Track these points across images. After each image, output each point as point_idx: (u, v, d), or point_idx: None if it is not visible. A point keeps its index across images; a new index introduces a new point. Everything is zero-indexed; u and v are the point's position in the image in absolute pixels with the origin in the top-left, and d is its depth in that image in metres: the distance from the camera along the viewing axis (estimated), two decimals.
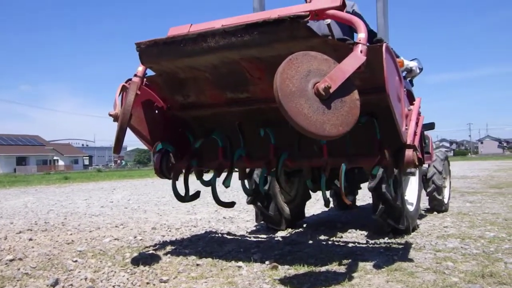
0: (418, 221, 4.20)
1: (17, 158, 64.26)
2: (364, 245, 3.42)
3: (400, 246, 3.34)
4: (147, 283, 2.54)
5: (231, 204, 3.28)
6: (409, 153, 2.62)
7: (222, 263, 2.94)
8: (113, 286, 2.50)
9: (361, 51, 2.28)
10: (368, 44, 3.49)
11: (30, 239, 3.92)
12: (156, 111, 3.19)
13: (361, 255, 3.08)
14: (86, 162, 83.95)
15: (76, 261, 3.02)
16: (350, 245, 3.45)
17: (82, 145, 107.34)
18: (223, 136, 3.19)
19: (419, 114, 2.91)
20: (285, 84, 2.08)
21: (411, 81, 4.89)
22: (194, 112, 3.23)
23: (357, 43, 2.33)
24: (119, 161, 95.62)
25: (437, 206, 5.16)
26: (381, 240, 3.54)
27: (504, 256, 2.96)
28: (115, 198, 8.47)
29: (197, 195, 3.29)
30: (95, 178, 22.03)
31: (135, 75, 2.91)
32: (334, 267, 2.78)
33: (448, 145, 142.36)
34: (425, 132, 4.88)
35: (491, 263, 2.78)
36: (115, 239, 3.85)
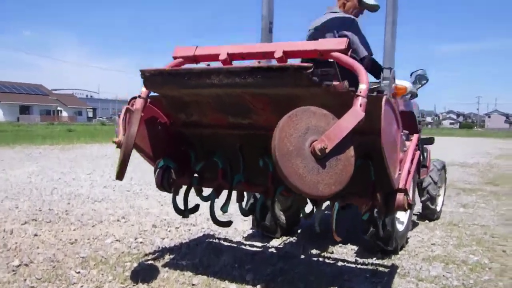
0: (409, 233, 4.37)
1: (21, 107, 64.45)
2: (352, 265, 3.59)
3: (386, 270, 3.51)
4: None
5: (228, 224, 3.44)
6: (399, 197, 2.69)
7: (216, 282, 3.12)
8: None
9: (360, 105, 2.33)
10: (366, 56, 3.56)
11: (35, 235, 4.10)
12: (159, 127, 3.29)
13: (348, 281, 3.26)
14: (90, 115, 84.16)
15: (79, 272, 3.21)
16: (339, 263, 3.63)
17: (86, 96, 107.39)
18: (223, 158, 3.32)
19: (415, 149, 2.99)
20: (283, 143, 2.18)
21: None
22: (196, 131, 3.34)
23: (357, 95, 2.38)
24: None
25: (429, 214, 5.33)
26: (369, 260, 3.72)
27: None
28: None
29: (196, 208, 3.45)
30: (99, 137, 22.25)
31: (139, 96, 3.00)
32: None
33: (455, 117, 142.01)
34: (424, 146, 5.01)
35: None
36: (117, 240, 4.04)
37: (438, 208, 5.41)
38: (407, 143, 2.98)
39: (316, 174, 2.21)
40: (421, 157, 4.92)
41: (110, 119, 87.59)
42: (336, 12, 3.91)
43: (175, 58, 3.05)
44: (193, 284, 3.10)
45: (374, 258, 3.77)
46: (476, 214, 5.82)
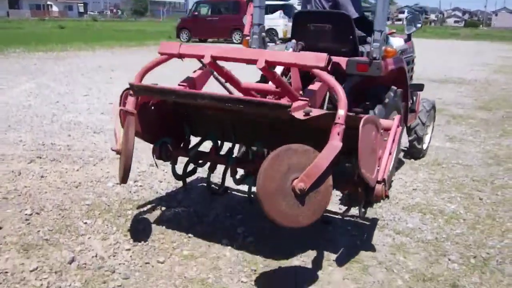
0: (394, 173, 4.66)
1: (9, 0, 62.34)
2: (336, 217, 3.89)
3: (367, 223, 3.82)
4: (146, 263, 3.04)
5: (224, 192, 3.72)
6: (378, 188, 2.88)
7: (211, 234, 3.44)
8: (119, 264, 3.01)
9: (338, 134, 2.50)
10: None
11: (42, 176, 4.36)
12: (152, 108, 3.45)
13: (331, 234, 3.58)
14: (81, 9, 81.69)
15: (86, 223, 3.51)
16: (324, 214, 3.93)
17: None
18: (217, 136, 3.55)
19: (398, 126, 3.16)
20: (266, 184, 2.41)
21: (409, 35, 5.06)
22: (189, 109, 3.54)
23: (336, 123, 2.52)
24: (115, 11, 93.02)
25: (415, 153, 5.59)
26: (352, 211, 4.00)
27: (451, 247, 3.46)
28: (114, 94, 8.78)
29: (194, 171, 3.75)
30: (92, 38, 21.97)
31: (130, 94, 3.13)
32: (304, 251, 3.28)
33: (460, 14, 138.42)
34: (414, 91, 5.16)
35: (436, 260, 3.28)
36: (117, 183, 4.30)
37: (424, 146, 5.66)
38: (389, 123, 3.10)
39: (296, 208, 2.46)
40: (411, 102, 5.10)
41: (102, 13, 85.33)
42: None
43: (161, 54, 3.14)
44: (189, 237, 3.41)
45: (357, 207, 4.05)
46: (462, 150, 6.08)
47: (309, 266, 3.13)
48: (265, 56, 2.72)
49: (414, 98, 5.15)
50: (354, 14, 3.90)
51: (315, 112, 2.64)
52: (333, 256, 3.25)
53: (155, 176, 4.58)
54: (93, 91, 8.97)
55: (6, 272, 2.83)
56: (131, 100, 3.06)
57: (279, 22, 25.29)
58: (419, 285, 2.96)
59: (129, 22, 65.42)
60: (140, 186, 4.30)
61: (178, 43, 3.12)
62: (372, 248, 3.40)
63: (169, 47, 3.09)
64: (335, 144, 2.46)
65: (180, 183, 4.29)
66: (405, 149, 5.63)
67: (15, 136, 5.66)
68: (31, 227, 3.41)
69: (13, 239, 3.23)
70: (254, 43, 4.20)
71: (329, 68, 2.64)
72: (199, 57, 3.06)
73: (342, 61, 3.82)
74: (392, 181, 4.66)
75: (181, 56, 3.07)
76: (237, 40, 25.29)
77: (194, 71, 3.54)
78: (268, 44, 4.43)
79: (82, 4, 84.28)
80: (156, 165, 3.79)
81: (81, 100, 8.16)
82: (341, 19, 3.95)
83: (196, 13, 26.89)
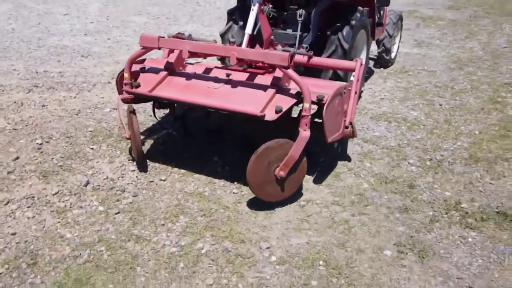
0: (364, 84, 5.14)
1: None
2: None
3: None
4: (151, 181, 3.57)
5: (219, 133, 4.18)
6: (346, 131, 3.46)
7: (204, 153, 3.95)
8: (128, 184, 3.54)
9: (306, 124, 3.00)
10: None
11: (43, 106, 4.75)
12: None
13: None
14: None
15: (92, 148, 3.97)
16: None
17: None
18: None
19: (360, 65, 3.58)
20: (254, 179, 3.09)
21: None
22: None
23: (303, 116, 3.00)
24: None
25: (384, 63, 6.04)
26: None
27: (411, 152, 4.03)
28: (93, 12, 8.90)
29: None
30: None
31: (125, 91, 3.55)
32: None
33: None
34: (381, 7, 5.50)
35: (397, 164, 3.86)
36: (114, 108, 4.72)
37: (392, 56, 6.10)
38: (353, 65, 3.56)
39: (281, 188, 3.16)
40: (378, 17, 5.46)
41: None
42: None
43: (142, 47, 3.49)
44: (185, 157, 3.91)
45: None
46: (428, 56, 6.53)
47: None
48: (236, 53, 3.13)
49: (382, 12, 5.50)
50: None
51: (285, 106, 3.05)
52: (310, 166, 3.79)
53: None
54: (72, 10, 9.04)
55: (33, 197, 3.33)
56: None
57: None
58: (382, 187, 3.55)
59: None
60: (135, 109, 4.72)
61: (156, 37, 3.38)
62: (343, 157, 3.95)
63: (149, 41, 3.40)
64: (304, 134, 3.01)
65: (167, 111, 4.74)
66: (375, 57, 6.05)
67: (7, 64, 5.94)
68: (45, 155, 3.87)
69: (31, 167, 3.70)
70: None
71: (291, 64, 3.02)
72: (177, 49, 3.49)
73: None
74: (362, 91, 5.15)
75: (160, 48, 3.42)
76: None
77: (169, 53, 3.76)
78: None
79: None
80: (156, 118, 4.25)
81: (61, 20, 8.28)
82: None
83: None
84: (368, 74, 5.68)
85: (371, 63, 6.05)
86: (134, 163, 3.78)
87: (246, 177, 3.08)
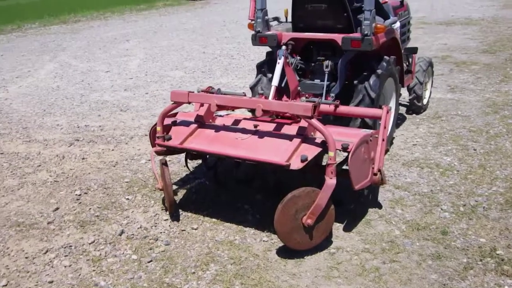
0: (396, 129, 5.15)
1: None
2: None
3: None
4: (183, 230, 3.65)
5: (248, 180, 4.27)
6: (375, 179, 3.49)
7: (234, 202, 4.01)
8: (161, 232, 3.62)
9: (331, 172, 3.06)
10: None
11: (83, 158, 4.96)
12: None
13: (336, 193, 4.11)
14: None
15: (128, 199, 4.11)
16: None
17: None
18: None
19: (387, 113, 3.65)
20: (282, 229, 3.12)
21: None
22: None
23: (329, 164, 3.08)
24: None
25: (416, 110, 6.04)
26: None
27: (444, 198, 3.98)
28: (133, 68, 9.32)
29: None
30: (100, 3, 22.19)
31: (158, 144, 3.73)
32: None
33: None
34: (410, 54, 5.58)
35: (430, 210, 3.81)
36: (149, 159, 4.88)
37: (425, 102, 6.10)
38: (379, 112, 3.63)
39: (309, 236, 3.18)
40: (407, 64, 5.53)
41: None
42: None
43: (173, 102, 3.70)
44: (216, 205, 3.98)
45: None
46: (462, 101, 6.49)
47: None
48: (261, 106, 3.28)
49: (410, 60, 5.57)
50: None
51: (310, 155, 3.15)
52: (340, 212, 3.80)
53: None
54: (113, 67, 9.48)
55: (70, 246, 3.46)
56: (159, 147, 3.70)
57: None
58: (414, 234, 3.50)
59: None
60: (169, 160, 4.86)
61: (186, 92, 3.62)
62: (374, 204, 3.93)
63: (179, 96, 3.64)
64: (330, 183, 3.07)
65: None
66: (407, 104, 6.07)
67: (52, 120, 6.26)
68: (83, 206, 4.02)
69: (70, 218, 3.85)
70: (258, 27, 4.64)
71: (315, 114, 3.13)
72: (206, 103, 3.67)
73: (338, 37, 4.27)
74: (394, 137, 5.15)
75: (189, 102, 3.67)
76: None
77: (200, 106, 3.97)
78: (271, 24, 4.86)
79: None
80: (188, 168, 4.39)
81: (103, 77, 8.69)
82: None
83: None
84: (400, 120, 5.70)
85: (403, 109, 6.06)
86: (167, 212, 3.87)
87: (274, 225, 3.12)
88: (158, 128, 3.67)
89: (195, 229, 3.65)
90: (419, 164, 4.63)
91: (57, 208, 3.98)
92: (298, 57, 4.41)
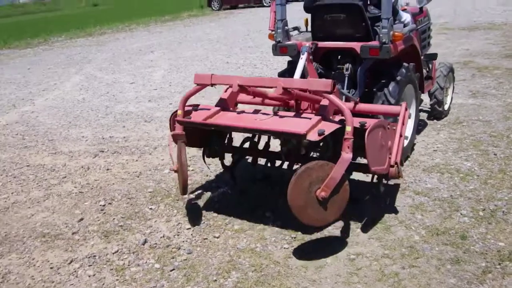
0: (416, 136, 5.16)
1: None
2: (362, 179, 4.41)
3: (390, 185, 4.35)
4: (205, 239, 3.72)
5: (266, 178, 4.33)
6: (392, 170, 3.49)
7: (256, 210, 4.07)
8: (183, 241, 3.71)
9: (348, 147, 3.07)
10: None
11: (107, 169, 5.10)
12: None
13: (356, 199, 4.14)
14: None
15: (151, 208, 4.21)
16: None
17: None
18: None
19: (405, 110, 3.68)
20: (295, 201, 3.10)
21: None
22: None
23: (346, 138, 3.09)
24: None
25: (437, 115, 6.03)
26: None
27: (463, 203, 3.97)
28: (157, 79, 9.50)
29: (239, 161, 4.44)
30: (126, 13, 22.61)
31: (178, 121, 3.73)
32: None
33: None
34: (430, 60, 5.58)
35: (449, 215, 3.81)
36: (172, 169, 4.97)
37: (446, 107, 6.08)
38: (397, 109, 3.66)
39: (322, 212, 3.16)
40: (427, 70, 5.54)
41: None
42: None
43: (196, 84, 3.79)
44: (237, 213, 4.06)
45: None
46: (483, 106, 6.45)
47: (339, 229, 3.73)
48: (281, 84, 3.33)
49: (430, 66, 5.57)
50: None
51: (328, 130, 3.19)
52: (361, 219, 3.84)
53: (201, 160, 5.22)
54: (137, 79, 9.68)
55: (94, 256, 3.56)
56: (179, 127, 3.71)
57: None
58: (433, 239, 3.52)
59: None
60: (192, 170, 4.97)
61: (209, 74, 3.69)
62: (394, 209, 3.95)
63: (202, 78, 3.73)
64: (346, 157, 3.07)
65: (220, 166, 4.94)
66: (428, 109, 6.06)
67: (77, 132, 6.44)
68: (107, 216, 4.14)
69: (94, 228, 3.97)
70: (278, 37, 4.72)
71: (334, 91, 3.20)
72: (228, 85, 3.73)
73: (357, 46, 4.32)
74: (414, 144, 5.16)
75: (213, 85, 3.70)
76: (267, 3, 25.43)
77: (225, 90, 4.01)
78: (291, 34, 4.93)
79: None
80: (207, 166, 4.51)
81: (127, 88, 8.89)
82: (353, 9, 4.41)
83: None
84: (421, 126, 5.70)
85: (424, 115, 6.06)
86: (190, 221, 3.96)
87: (287, 199, 3.10)
88: (179, 112, 3.70)
89: (217, 238, 3.72)
90: (439, 169, 4.63)
91: (82, 219, 4.10)
92: (318, 63, 4.48)
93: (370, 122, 3.20)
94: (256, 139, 4.27)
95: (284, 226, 3.79)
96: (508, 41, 10.82)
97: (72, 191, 4.62)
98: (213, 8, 26.22)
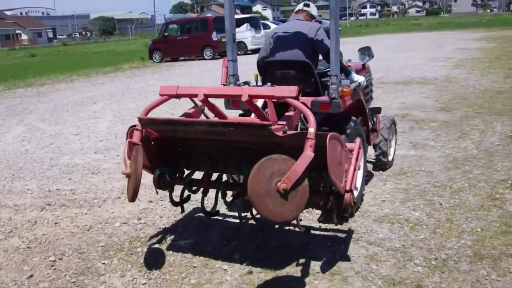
0: (365, 187, 5.32)
1: None
2: (317, 232, 4.50)
3: (343, 236, 4.45)
4: None
5: (215, 213, 4.33)
6: (347, 196, 3.55)
7: (212, 262, 4.04)
8: None
9: (310, 146, 3.14)
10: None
11: (56, 223, 4.92)
12: (152, 142, 4.05)
13: (313, 250, 4.20)
14: (50, 35, 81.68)
15: (104, 263, 4.07)
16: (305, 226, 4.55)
17: (42, 13, 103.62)
18: (207, 167, 4.15)
19: (359, 148, 3.81)
20: (255, 189, 3.04)
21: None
22: (182, 142, 4.16)
23: (308, 138, 3.18)
24: (83, 32, 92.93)
25: (382, 166, 6.27)
26: (331, 226, 4.63)
27: (416, 252, 4.10)
28: (102, 131, 9.36)
29: (188, 198, 4.37)
30: (65, 65, 22.32)
31: (136, 129, 3.73)
32: (292, 269, 3.90)
33: (421, 4, 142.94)
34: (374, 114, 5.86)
35: (403, 265, 3.92)
36: (124, 222, 4.88)
37: (390, 158, 6.33)
38: (352, 145, 3.79)
39: (281, 206, 3.10)
40: (372, 123, 5.79)
41: (71, 36, 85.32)
42: (301, 19, 4.72)
43: (161, 95, 3.77)
44: (194, 267, 4.00)
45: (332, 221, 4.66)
46: (424, 157, 6.76)
47: (298, 281, 3.74)
48: (247, 92, 3.40)
49: (375, 119, 5.86)
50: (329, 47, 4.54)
51: (291, 131, 3.33)
52: (317, 270, 3.87)
53: (156, 212, 5.16)
54: (82, 130, 9.50)
55: None
56: (137, 134, 3.67)
57: (247, 35, 26.33)
58: None
59: (98, 43, 65.70)
60: (144, 223, 4.88)
61: (175, 86, 3.71)
62: (349, 260, 4.02)
63: (168, 89, 3.73)
64: (308, 153, 3.11)
65: (178, 217, 4.90)
66: (373, 161, 6.29)
67: (21, 185, 6.19)
68: (58, 272, 3.97)
69: (45, 285, 3.79)
70: None
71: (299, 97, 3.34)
72: (193, 96, 3.70)
73: (308, 101, 4.48)
74: (363, 194, 5.31)
75: (178, 96, 3.68)
76: (208, 56, 25.92)
77: (189, 109, 4.14)
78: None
79: (51, 30, 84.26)
80: (157, 192, 4.35)
81: (72, 139, 8.69)
82: (303, 65, 4.61)
83: (166, 33, 27.48)
84: (368, 177, 5.89)
85: (370, 166, 6.28)
86: (145, 275, 3.86)
87: (247, 187, 3.06)
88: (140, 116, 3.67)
89: None
90: (389, 219, 4.77)
91: (31, 276, 3.92)
92: None
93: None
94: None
95: (242, 279, 3.76)
96: (441, 95, 11.49)
97: (20, 246, 4.41)
98: (155, 60, 26.39)
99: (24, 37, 71.47)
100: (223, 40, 25.27)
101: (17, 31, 70.96)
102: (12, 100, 13.85)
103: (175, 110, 10.16)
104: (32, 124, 10.21)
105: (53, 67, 23.63)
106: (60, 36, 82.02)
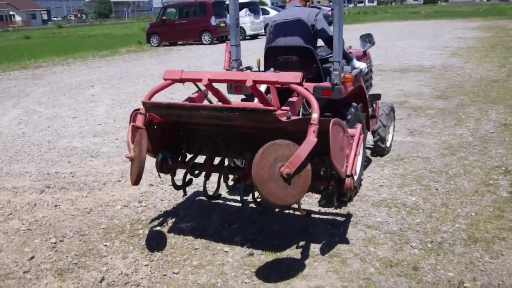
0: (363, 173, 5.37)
1: None
2: (317, 216, 4.57)
3: (342, 220, 4.52)
4: (164, 275, 3.69)
5: (217, 197, 4.38)
6: (347, 181, 3.64)
7: (213, 245, 4.09)
8: (142, 278, 3.65)
9: (313, 131, 3.21)
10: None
11: (56, 206, 4.95)
12: (155, 126, 4.08)
13: (313, 233, 4.27)
14: (45, 17, 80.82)
15: (106, 245, 4.12)
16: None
17: None
18: (210, 151, 4.19)
19: (360, 133, 3.86)
20: (259, 173, 3.11)
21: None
22: (186, 127, 4.18)
23: (311, 124, 3.24)
24: (79, 15, 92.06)
25: (380, 151, 6.33)
26: (331, 210, 4.70)
27: (412, 236, 4.17)
28: (100, 114, 9.36)
29: (190, 181, 4.40)
30: (61, 48, 22.18)
31: (140, 113, 3.76)
32: (292, 251, 3.96)
33: None
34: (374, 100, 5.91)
35: (400, 247, 4.00)
36: (125, 205, 4.92)
37: (388, 144, 6.40)
38: (353, 131, 3.84)
39: (285, 190, 3.17)
40: (372, 110, 5.84)
41: (66, 19, 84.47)
42: (298, 5, 4.73)
43: (165, 79, 3.79)
44: (195, 248, 4.06)
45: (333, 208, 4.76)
46: (421, 143, 6.83)
47: (298, 263, 3.81)
48: (252, 77, 3.42)
49: (374, 105, 5.90)
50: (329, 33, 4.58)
51: (294, 116, 3.37)
52: (317, 252, 3.94)
53: (156, 195, 5.20)
54: (80, 113, 9.49)
55: None
56: (140, 118, 3.69)
57: (246, 20, 26.10)
58: (387, 271, 3.67)
59: (94, 26, 65.20)
60: (145, 206, 4.92)
61: (180, 70, 3.74)
62: (348, 243, 4.09)
63: (172, 74, 3.75)
64: (311, 139, 3.17)
65: (179, 200, 4.95)
66: (372, 147, 6.35)
67: (19, 167, 6.21)
68: (59, 254, 4.01)
69: (46, 266, 3.84)
70: None
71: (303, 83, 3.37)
72: (198, 81, 3.73)
73: (309, 87, 4.51)
74: (362, 179, 5.38)
75: (182, 80, 3.70)
76: (206, 41, 25.79)
77: (193, 93, 4.18)
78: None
79: (46, 12, 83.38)
80: (159, 175, 4.39)
81: (70, 123, 8.69)
82: (305, 51, 4.63)
83: (164, 17, 27.27)
84: (366, 162, 5.95)
85: (368, 152, 6.34)
86: (148, 257, 3.92)
87: (252, 172, 3.12)
88: (144, 100, 3.69)
89: (177, 274, 3.70)
90: (387, 204, 4.84)
91: (33, 257, 3.96)
92: None
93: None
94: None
95: (243, 261, 3.82)
96: (438, 83, 11.54)
97: (20, 228, 4.45)
98: (152, 44, 26.23)
99: (17, 18, 70.81)
100: (221, 25, 25.20)
101: (11, 12, 70.26)
102: (7, 83, 13.78)
103: (173, 94, 10.17)
104: (28, 107, 10.19)
105: (48, 50, 23.47)
106: (55, 18, 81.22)
